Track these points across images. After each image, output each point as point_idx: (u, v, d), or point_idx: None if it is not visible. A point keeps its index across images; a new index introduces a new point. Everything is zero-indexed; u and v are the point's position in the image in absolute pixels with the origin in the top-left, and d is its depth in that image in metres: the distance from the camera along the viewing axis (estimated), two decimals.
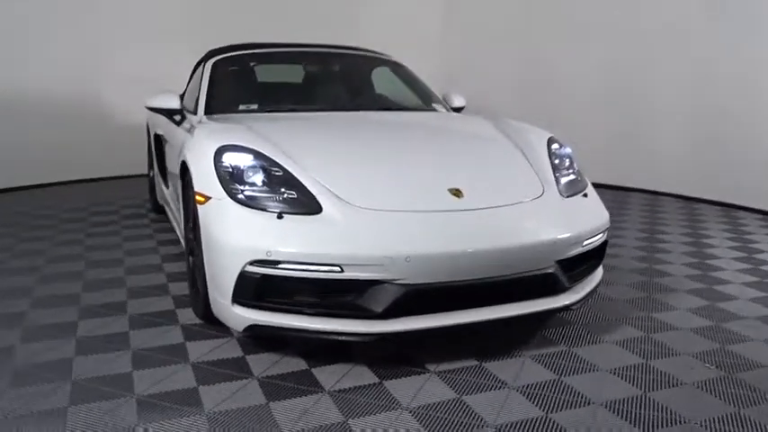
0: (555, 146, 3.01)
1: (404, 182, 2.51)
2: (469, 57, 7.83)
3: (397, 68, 4.25)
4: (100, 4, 6.49)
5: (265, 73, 4.00)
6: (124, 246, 4.13)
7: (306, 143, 2.75)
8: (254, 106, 3.44)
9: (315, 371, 2.36)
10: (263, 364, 2.42)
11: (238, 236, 2.25)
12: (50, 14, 6.19)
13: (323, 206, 2.29)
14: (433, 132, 3.25)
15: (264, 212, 2.27)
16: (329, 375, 2.32)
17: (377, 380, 2.29)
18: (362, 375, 2.33)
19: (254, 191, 2.35)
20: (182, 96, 3.83)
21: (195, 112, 3.41)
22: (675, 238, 4.56)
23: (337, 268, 2.15)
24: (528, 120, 3.44)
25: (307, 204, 2.30)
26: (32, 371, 2.33)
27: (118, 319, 2.84)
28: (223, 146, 2.51)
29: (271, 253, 2.16)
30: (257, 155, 2.46)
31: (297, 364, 2.42)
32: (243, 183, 2.38)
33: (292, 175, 2.39)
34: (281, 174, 2.40)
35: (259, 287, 2.23)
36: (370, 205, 2.31)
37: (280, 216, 2.25)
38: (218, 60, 3.82)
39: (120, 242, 4.23)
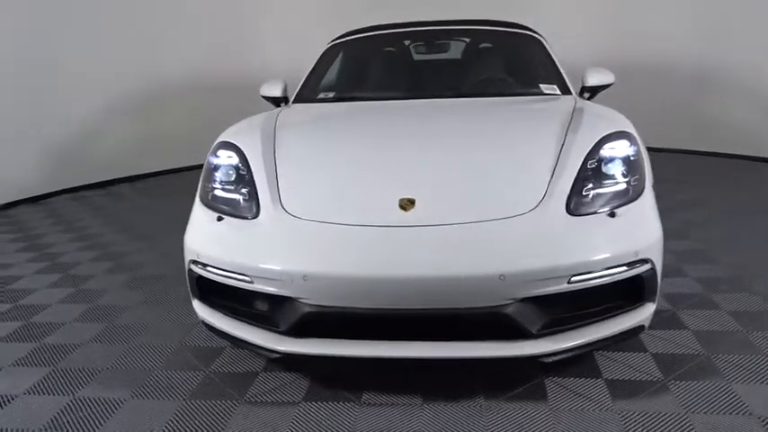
0: (610, 145, 2.30)
1: (360, 190, 2.23)
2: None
3: (527, 42, 3.70)
4: None
5: (368, 58, 3.87)
6: None
7: (305, 142, 2.65)
8: (331, 94, 3.40)
9: (260, 377, 2.33)
10: (229, 358, 2.48)
11: (188, 234, 2.32)
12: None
13: (260, 213, 2.20)
14: (457, 128, 2.70)
15: (211, 213, 2.29)
16: (263, 384, 2.27)
17: (298, 399, 2.16)
18: (292, 392, 2.21)
19: (219, 190, 2.37)
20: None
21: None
22: None
23: (248, 278, 2.07)
24: None
25: (251, 209, 2.24)
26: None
27: (173, 289, 3.21)
28: (220, 142, 2.58)
29: (199, 255, 2.19)
30: (239, 153, 2.47)
31: (253, 365, 2.42)
32: (215, 181, 2.42)
33: (252, 178, 2.34)
34: (245, 175, 2.37)
35: (198, 286, 2.28)
36: (303, 215, 2.13)
37: (219, 218, 2.24)
38: (328, 47, 3.86)
39: None
